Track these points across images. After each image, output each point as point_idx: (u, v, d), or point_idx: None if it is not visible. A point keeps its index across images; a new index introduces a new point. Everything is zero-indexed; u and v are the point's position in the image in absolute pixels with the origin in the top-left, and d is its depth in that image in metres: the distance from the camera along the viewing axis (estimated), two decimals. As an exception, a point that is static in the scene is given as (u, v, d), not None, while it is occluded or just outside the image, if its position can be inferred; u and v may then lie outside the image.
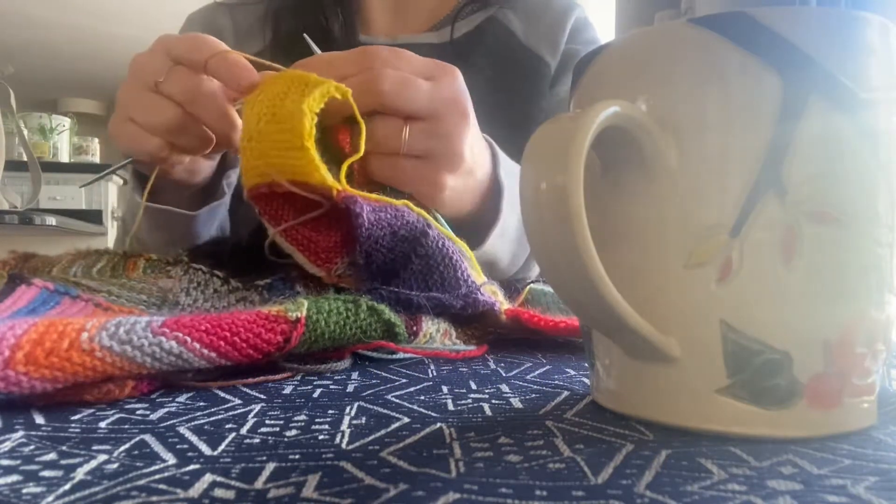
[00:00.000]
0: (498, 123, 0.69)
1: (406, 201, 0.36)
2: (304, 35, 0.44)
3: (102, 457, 0.17)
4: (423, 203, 0.38)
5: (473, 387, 0.26)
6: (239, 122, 0.42)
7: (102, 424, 0.20)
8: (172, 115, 0.40)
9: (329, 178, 0.34)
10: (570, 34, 0.74)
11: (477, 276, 0.36)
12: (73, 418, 0.21)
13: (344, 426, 0.20)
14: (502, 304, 0.35)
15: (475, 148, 0.41)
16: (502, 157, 0.46)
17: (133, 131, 0.41)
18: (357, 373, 0.29)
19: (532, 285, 0.45)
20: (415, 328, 0.32)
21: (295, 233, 0.37)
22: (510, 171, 0.47)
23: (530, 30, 0.73)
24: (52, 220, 2.15)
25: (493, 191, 0.44)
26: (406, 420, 0.21)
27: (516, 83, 0.71)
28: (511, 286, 0.46)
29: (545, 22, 0.74)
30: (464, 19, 0.72)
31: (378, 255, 0.34)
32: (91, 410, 0.22)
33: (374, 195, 0.35)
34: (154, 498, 0.14)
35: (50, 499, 0.14)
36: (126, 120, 0.42)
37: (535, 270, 0.53)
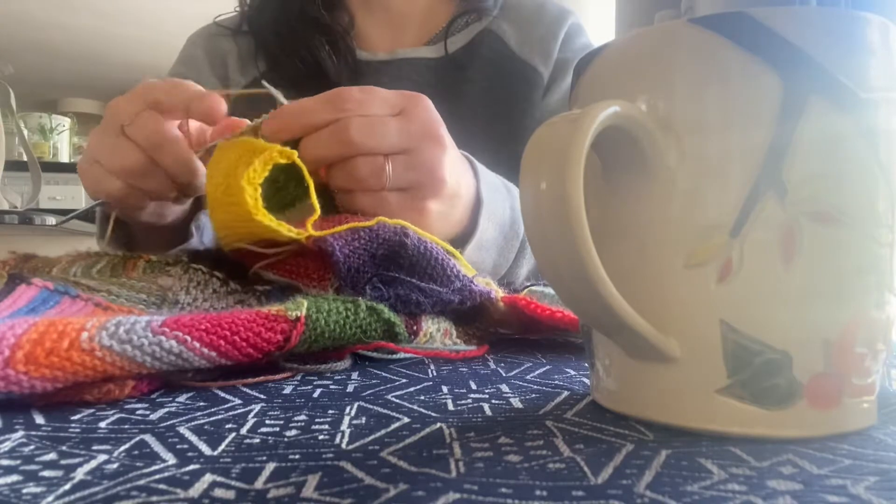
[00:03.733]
0: (493, 134, 0.69)
1: (380, 217, 0.35)
2: (263, 81, 0.44)
3: (102, 457, 0.17)
4: None
5: (473, 387, 0.26)
6: (201, 168, 0.42)
7: (102, 424, 0.20)
8: (135, 159, 0.41)
9: (293, 233, 0.34)
10: (563, 42, 0.74)
11: (467, 271, 0.36)
12: (73, 418, 0.21)
13: (344, 426, 0.20)
14: (497, 292, 0.35)
15: (456, 170, 0.42)
16: (482, 170, 0.47)
17: (97, 173, 0.42)
18: (357, 373, 0.29)
19: (531, 287, 0.45)
20: (415, 327, 0.32)
21: (283, 264, 0.37)
22: (490, 184, 0.47)
23: (523, 39, 0.73)
24: (52, 220, 2.15)
25: (474, 206, 0.45)
26: (406, 420, 0.21)
27: (510, 94, 0.71)
28: (510, 290, 0.46)
29: (538, 31, 0.74)
30: (459, 32, 0.73)
31: (362, 281, 0.34)
32: (91, 410, 0.22)
33: (344, 226, 0.35)
34: (154, 498, 0.14)
35: (50, 499, 0.14)
36: (92, 162, 0.43)
37: (522, 274, 0.53)
